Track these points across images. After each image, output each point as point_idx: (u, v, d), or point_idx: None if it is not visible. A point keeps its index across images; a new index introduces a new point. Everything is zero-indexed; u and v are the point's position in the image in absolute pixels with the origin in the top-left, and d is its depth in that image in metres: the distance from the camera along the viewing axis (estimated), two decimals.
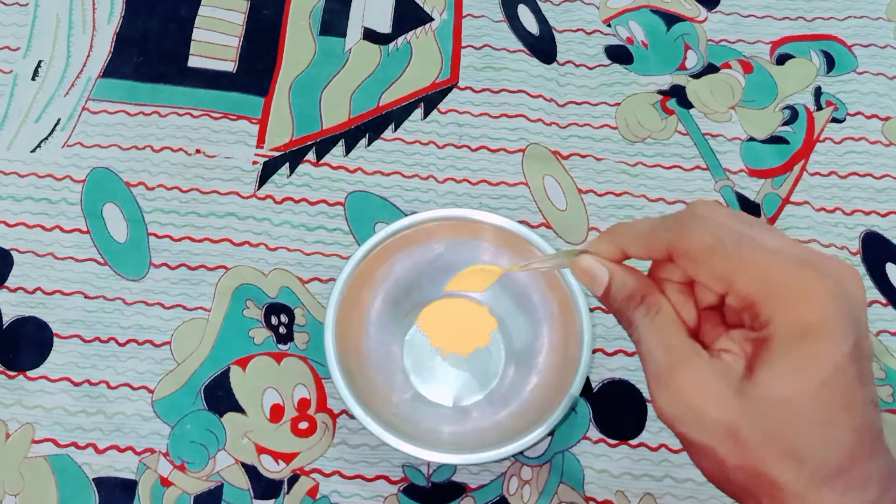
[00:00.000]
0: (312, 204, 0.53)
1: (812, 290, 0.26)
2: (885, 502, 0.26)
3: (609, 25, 0.59)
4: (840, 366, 0.25)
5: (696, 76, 0.57)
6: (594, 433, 0.47)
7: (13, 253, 0.51)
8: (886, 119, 0.55)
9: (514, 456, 0.44)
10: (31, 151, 0.54)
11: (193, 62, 0.57)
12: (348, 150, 0.54)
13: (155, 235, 0.52)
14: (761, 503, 0.27)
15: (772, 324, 0.26)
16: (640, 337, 0.30)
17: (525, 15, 0.59)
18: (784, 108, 0.56)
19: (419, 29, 0.58)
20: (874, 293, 0.51)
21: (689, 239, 0.28)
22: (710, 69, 0.57)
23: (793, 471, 0.26)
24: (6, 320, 0.50)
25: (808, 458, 0.26)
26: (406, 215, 0.48)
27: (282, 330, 0.49)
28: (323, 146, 0.54)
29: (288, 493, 0.46)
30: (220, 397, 0.48)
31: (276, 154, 0.54)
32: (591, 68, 0.57)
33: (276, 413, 0.47)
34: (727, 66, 0.57)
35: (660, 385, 0.28)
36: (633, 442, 0.47)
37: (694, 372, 0.28)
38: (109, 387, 0.48)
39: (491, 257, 0.47)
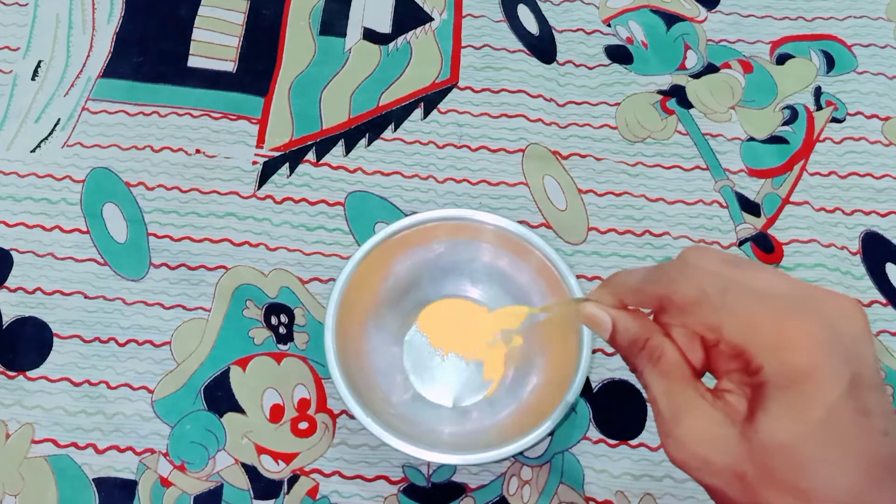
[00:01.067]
0: (312, 204, 0.53)
1: (798, 336, 0.26)
2: None
3: (609, 25, 0.59)
4: (835, 407, 0.25)
5: (696, 76, 0.57)
6: (594, 433, 0.47)
7: (13, 253, 0.51)
8: (886, 119, 0.55)
9: (514, 456, 0.44)
10: (31, 151, 0.54)
11: (193, 62, 0.57)
12: (348, 150, 0.54)
13: (155, 235, 0.52)
14: None
15: (762, 371, 0.27)
16: (646, 383, 0.31)
17: (525, 15, 0.59)
18: (784, 108, 0.56)
19: (419, 29, 0.58)
20: (874, 293, 0.51)
21: (676, 293, 0.29)
22: (710, 69, 0.57)
23: None
24: (6, 320, 0.50)
25: (814, 497, 0.26)
26: (406, 215, 0.48)
27: (282, 330, 0.49)
28: (323, 146, 0.54)
29: (288, 493, 0.46)
30: (219, 397, 0.48)
31: (276, 154, 0.54)
32: (590, 68, 0.57)
33: (276, 413, 0.47)
34: (727, 65, 0.57)
35: (666, 434, 0.29)
36: (633, 442, 0.47)
37: (697, 420, 0.28)
38: (109, 387, 0.48)
39: (491, 258, 0.47)
